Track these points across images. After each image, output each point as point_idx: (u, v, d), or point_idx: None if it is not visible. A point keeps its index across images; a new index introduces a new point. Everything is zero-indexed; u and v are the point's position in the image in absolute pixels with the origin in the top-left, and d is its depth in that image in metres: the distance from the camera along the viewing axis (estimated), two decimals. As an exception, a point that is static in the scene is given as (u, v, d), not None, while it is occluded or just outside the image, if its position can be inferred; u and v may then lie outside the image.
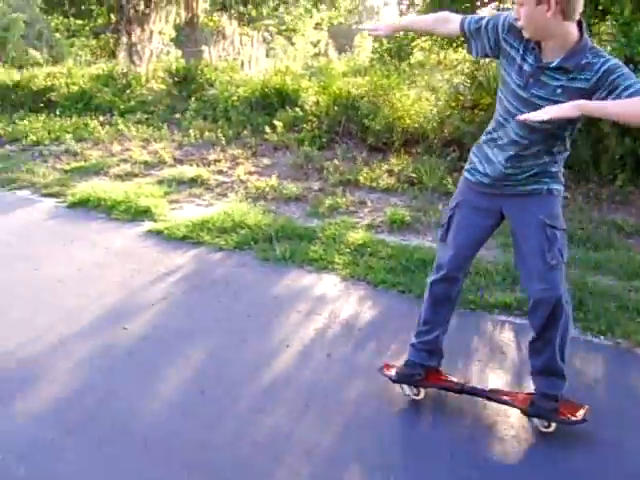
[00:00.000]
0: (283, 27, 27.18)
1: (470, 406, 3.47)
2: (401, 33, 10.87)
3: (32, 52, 34.11)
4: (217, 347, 4.13)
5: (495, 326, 4.39)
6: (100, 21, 20.86)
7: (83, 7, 21.76)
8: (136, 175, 8.67)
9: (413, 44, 11.49)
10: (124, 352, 4.06)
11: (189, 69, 14.33)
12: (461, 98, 8.97)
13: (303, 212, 6.86)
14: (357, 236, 5.89)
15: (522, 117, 2.86)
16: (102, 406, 3.49)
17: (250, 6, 20.72)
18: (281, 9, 23.18)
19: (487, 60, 9.32)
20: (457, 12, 3.40)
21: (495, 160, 3.15)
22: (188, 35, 19.72)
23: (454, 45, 10.53)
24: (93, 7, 21.59)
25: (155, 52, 18.88)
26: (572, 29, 2.84)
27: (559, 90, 2.88)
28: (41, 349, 4.12)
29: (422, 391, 3.53)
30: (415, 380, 3.51)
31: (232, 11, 19.43)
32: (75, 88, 14.92)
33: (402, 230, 6.27)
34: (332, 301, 4.77)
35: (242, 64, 17.57)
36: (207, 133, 10.48)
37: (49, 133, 11.60)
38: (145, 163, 9.20)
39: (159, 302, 4.73)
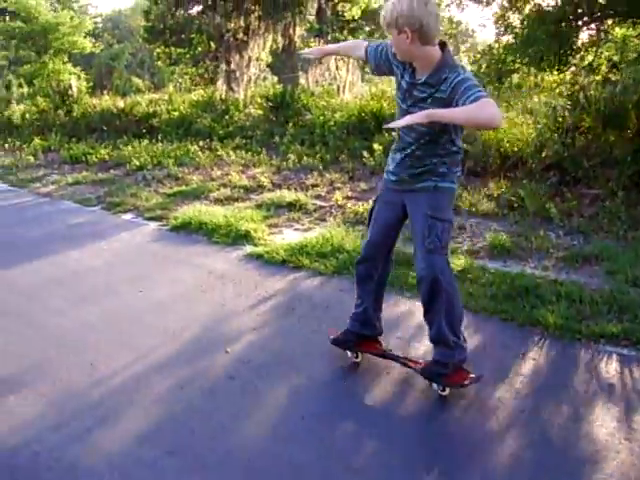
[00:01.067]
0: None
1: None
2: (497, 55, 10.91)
3: (135, 80, 35.41)
4: (318, 372, 4.13)
5: (601, 357, 4.23)
6: (200, 49, 21.43)
7: (183, 36, 22.43)
8: (236, 199, 8.82)
9: (515, 65, 11.28)
10: (226, 375, 4.11)
11: (286, 95, 14.51)
12: (560, 121, 8.78)
13: (401, 237, 6.76)
14: (457, 262, 5.78)
15: (386, 125, 3.66)
16: (203, 428, 3.54)
17: (346, 32, 20.95)
18: (376, 34, 23.29)
19: (587, 81, 9.14)
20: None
21: (397, 161, 3.83)
22: (285, 61, 20.07)
23: (553, 67, 10.40)
24: (193, 36, 22.23)
25: (252, 78, 19.23)
26: (433, 51, 3.47)
27: (429, 100, 3.51)
28: (145, 369, 4.22)
29: (360, 355, 4.26)
30: (349, 345, 4.28)
31: (328, 37, 19.66)
32: (176, 114, 15.37)
33: (503, 256, 6.13)
34: (432, 328, 4.70)
35: (338, 89, 17.67)
36: (305, 158, 10.58)
37: (151, 158, 11.94)
38: (244, 188, 9.36)
39: (260, 326, 4.77)
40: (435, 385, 3.85)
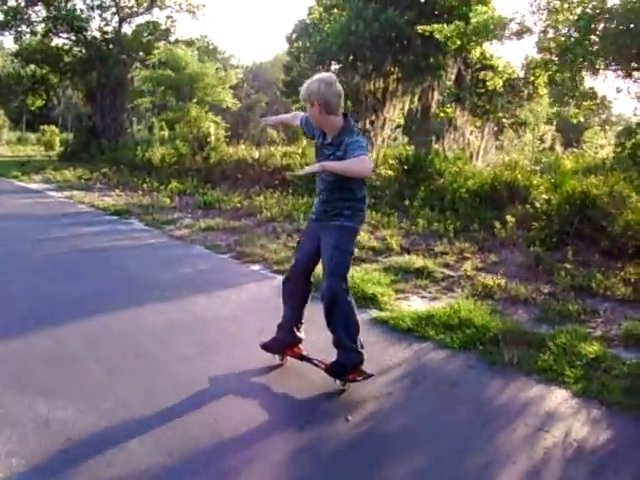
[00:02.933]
0: (512, 120, 27.05)
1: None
2: None
3: (270, 131, 36.38)
4: (441, 452, 3.98)
5: None
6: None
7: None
8: (364, 260, 8.81)
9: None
10: (346, 444, 4.02)
11: (419, 158, 14.50)
12: None
13: (531, 316, 6.57)
14: (590, 348, 5.51)
15: (288, 174, 6.17)
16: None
17: (484, 98, 20.84)
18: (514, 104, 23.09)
19: None
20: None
21: (315, 203, 5.05)
22: (420, 124, 20.15)
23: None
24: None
25: (385, 138, 19.38)
26: (337, 120, 4.67)
27: (332, 157, 4.64)
28: (266, 429, 4.23)
29: (287, 359, 5.28)
30: (275, 350, 5.25)
31: (466, 103, 19.61)
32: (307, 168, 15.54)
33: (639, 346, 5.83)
34: (562, 418, 4.45)
35: (470, 155, 17.58)
36: (435, 224, 10.49)
37: (282, 210, 12.13)
38: (372, 249, 9.36)
39: (384, 396, 4.66)
40: (338, 381, 4.83)
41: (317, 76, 4.77)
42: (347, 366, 4.79)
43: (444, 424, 4.31)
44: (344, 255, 4.79)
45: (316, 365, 5.00)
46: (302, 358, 5.16)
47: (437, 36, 15.41)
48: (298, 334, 5.22)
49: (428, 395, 4.76)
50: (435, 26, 15.36)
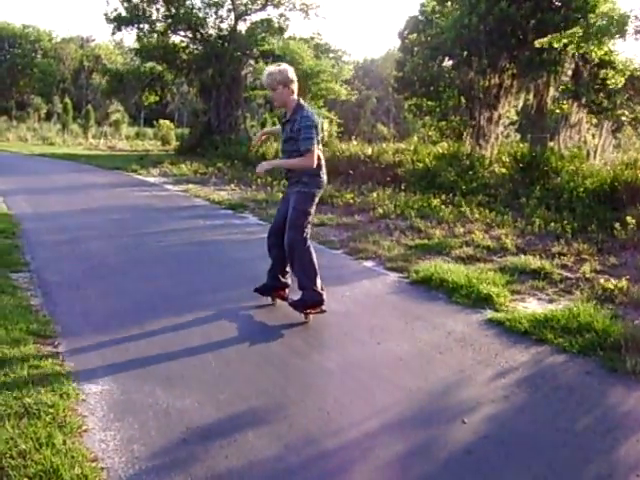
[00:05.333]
0: (631, 117, 26.08)
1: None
2: None
3: (380, 127, 36.32)
4: (560, 461, 3.84)
5: None
6: (450, 103, 21.56)
7: (432, 88, 22.71)
8: (478, 259, 8.69)
9: None
10: (462, 448, 3.95)
11: (534, 155, 14.15)
12: None
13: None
14: None
15: (258, 169, 6.38)
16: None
17: (602, 94, 20.14)
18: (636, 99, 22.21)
19: None
20: None
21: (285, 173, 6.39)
22: (534, 121, 19.65)
23: None
24: (441, 89, 22.44)
25: (499, 136, 19.01)
26: (294, 99, 6.03)
27: (290, 132, 5.95)
28: (379, 427, 4.18)
29: (277, 301, 6.66)
30: (266, 293, 6.61)
31: (583, 100, 18.98)
32: (420, 165, 15.45)
33: None
34: (689, 432, 4.24)
35: (587, 154, 16.99)
36: (551, 224, 10.20)
37: (395, 207, 12.08)
38: (487, 248, 9.19)
39: (501, 400, 4.57)
40: (302, 315, 6.12)
41: (274, 67, 6.13)
42: (307, 302, 6.12)
43: (563, 431, 4.18)
44: (300, 213, 6.10)
45: (288, 303, 6.35)
46: (283, 299, 6.54)
47: (555, 45, 14.93)
48: (283, 280, 6.55)
49: (546, 400, 4.63)
50: (553, 36, 14.85)
